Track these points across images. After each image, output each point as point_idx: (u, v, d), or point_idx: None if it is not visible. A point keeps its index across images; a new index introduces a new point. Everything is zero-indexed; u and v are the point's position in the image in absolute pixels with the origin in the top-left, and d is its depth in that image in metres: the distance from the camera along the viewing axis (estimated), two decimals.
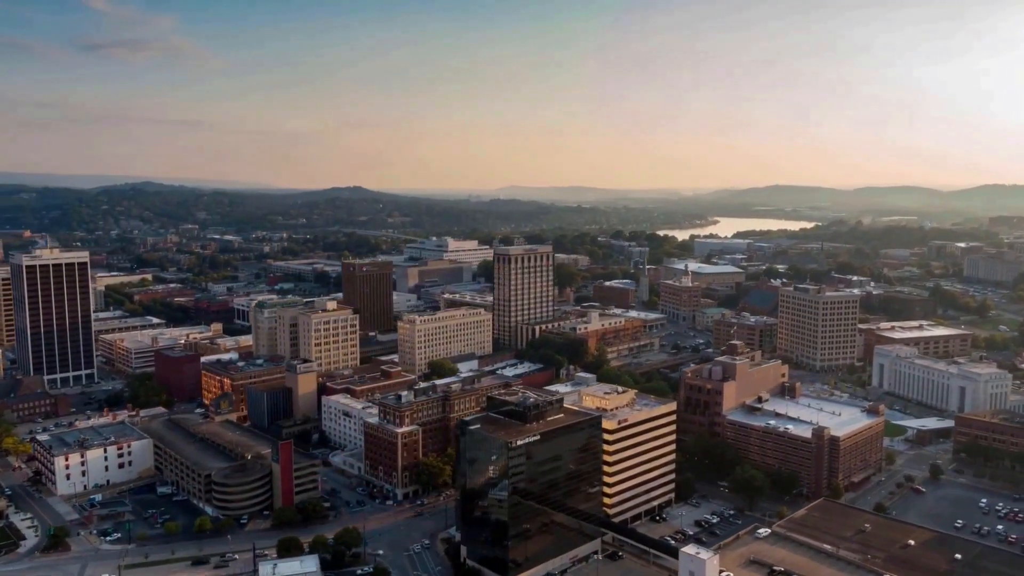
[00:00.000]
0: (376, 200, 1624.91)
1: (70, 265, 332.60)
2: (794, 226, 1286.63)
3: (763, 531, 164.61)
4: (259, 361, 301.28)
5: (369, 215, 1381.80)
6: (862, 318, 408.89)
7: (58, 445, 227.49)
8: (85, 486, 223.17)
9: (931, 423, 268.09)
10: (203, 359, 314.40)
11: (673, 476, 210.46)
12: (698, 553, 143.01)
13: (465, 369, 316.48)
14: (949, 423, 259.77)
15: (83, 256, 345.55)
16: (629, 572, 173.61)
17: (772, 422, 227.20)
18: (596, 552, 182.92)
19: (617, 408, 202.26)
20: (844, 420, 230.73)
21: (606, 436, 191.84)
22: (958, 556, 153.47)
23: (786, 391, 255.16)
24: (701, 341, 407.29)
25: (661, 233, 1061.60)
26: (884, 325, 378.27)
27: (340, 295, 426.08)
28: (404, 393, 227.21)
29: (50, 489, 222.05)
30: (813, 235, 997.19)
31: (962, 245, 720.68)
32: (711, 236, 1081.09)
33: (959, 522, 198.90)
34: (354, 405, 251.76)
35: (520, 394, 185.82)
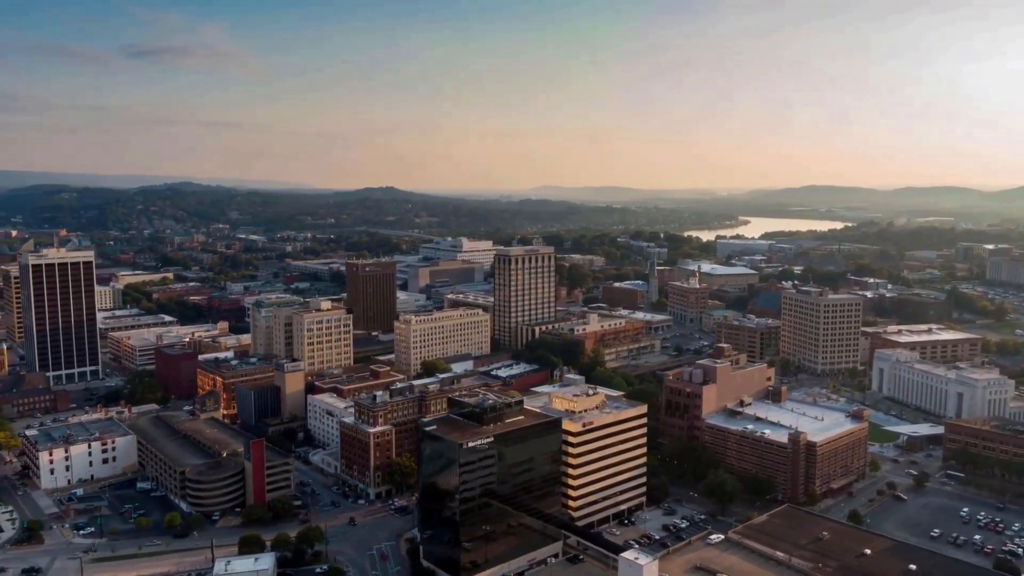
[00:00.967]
0: (406, 200, 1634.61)
1: (75, 264, 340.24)
2: (826, 227, 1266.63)
3: (715, 537, 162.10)
4: (253, 360, 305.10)
5: (398, 215, 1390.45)
6: (871, 321, 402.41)
7: (44, 440, 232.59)
8: (69, 480, 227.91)
9: (923, 429, 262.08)
10: (201, 357, 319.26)
11: (644, 480, 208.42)
12: (637, 559, 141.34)
13: (460, 369, 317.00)
14: (941, 429, 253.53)
15: (88, 255, 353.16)
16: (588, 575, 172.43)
17: (750, 426, 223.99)
18: (557, 555, 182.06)
19: (585, 410, 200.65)
20: (825, 425, 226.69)
21: (570, 439, 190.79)
22: (913, 566, 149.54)
23: (771, 395, 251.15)
24: (706, 343, 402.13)
25: (686, 234, 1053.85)
26: (891, 328, 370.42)
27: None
28: (379, 393, 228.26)
29: (35, 483, 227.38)
30: (840, 236, 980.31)
31: (990, 247, 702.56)
32: (737, 237, 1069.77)
33: (936, 531, 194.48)
34: (337, 404, 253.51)
35: (480, 395, 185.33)
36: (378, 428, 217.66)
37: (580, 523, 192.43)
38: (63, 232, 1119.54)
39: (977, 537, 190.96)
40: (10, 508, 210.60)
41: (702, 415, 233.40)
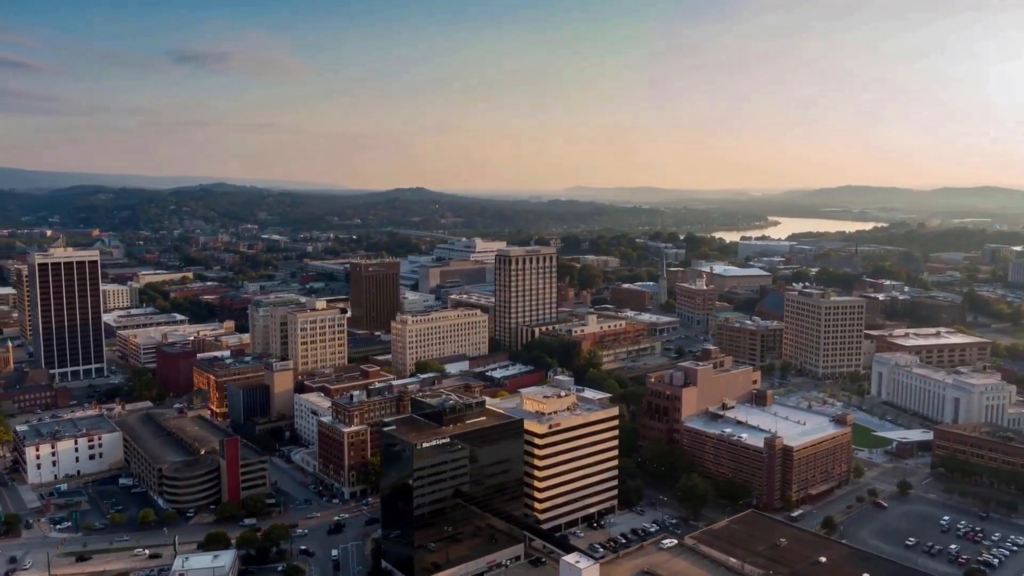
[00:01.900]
0: (434, 201, 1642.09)
1: (80, 263, 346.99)
2: (858, 227, 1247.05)
3: (667, 542, 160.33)
4: (247, 359, 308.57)
5: (424, 216, 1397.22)
6: (879, 324, 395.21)
7: (32, 436, 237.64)
8: (56, 476, 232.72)
9: (914, 435, 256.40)
10: (199, 356, 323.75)
11: (615, 482, 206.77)
12: (577, 562, 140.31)
13: (455, 370, 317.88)
14: (932, 435, 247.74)
15: (93, 255, 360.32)
16: None
17: (728, 430, 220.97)
18: (519, 557, 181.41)
19: (555, 412, 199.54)
20: (806, 430, 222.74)
21: (536, 440, 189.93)
22: (866, 575, 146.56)
23: (756, 398, 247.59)
24: (709, 346, 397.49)
25: (713, 235, 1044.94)
26: (897, 332, 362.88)
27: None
28: (355, 393, 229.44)
29: (23, 477, 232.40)
30: (868, 237, 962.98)
31: (1017, 248, 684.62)
32: (762, 238, 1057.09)
33: (911, 540, 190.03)
34: (321, 404, 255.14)
35: (443, 396, 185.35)
36: (353, 428, 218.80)
37: (546, 525, 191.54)
38: (95, 232, 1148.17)
39: (953, 547, 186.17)
40: None
41: (681, 418, 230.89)
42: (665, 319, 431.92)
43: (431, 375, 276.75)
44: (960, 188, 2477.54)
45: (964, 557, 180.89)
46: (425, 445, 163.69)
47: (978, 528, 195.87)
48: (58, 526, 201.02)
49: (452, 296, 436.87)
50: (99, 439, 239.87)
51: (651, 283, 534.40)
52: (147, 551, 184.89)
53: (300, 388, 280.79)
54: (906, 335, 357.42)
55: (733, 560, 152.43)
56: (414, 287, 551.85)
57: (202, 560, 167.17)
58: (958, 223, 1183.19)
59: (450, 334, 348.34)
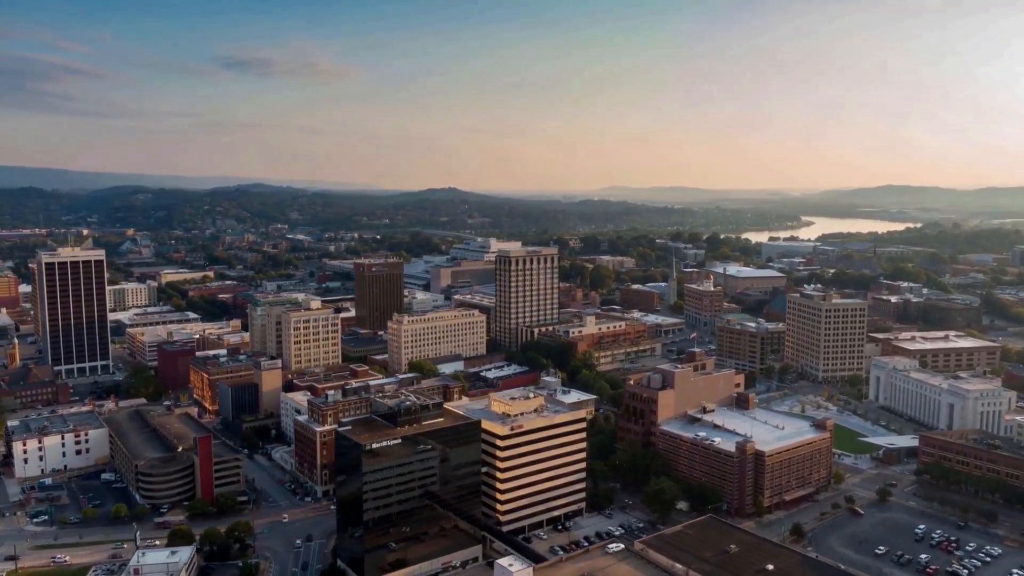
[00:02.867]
0: (464, 201, 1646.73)
1: (87, 263, 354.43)
2: (892, 228, 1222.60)
3: (614, 546, 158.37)
4: (242, 357, 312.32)
5: (452, 216, 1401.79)
6: (887, 326, 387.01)
7: (21, 431, 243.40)
8: (42, 470, 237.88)
9: (901, 441, 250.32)
10: (198, 354, 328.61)
11: (583, 485, 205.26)
12: (511, 565, 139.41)
13: (450, 370, 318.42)
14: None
15: (99, 254, 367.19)
16: None
17: (702, 433, 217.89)
18: (477, 558, 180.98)
19: (521, 414, 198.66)
20: (784, 434, 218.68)
21: (497, 442, 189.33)
22: None
23: (738, 402, 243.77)
24: (713, 347, 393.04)
25: (742, 235, 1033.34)
26: (904, 335, 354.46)
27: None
28: (331, 392, 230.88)
29: (12, 471, 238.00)
30: (898, 238, 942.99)
31: None
32: (791, 239, 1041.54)
33: (881, 548, 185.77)
34: (305, 403, 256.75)
35: (401, 397, 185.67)
36: (326, 427, 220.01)
37: (509, 527, 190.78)
38: (130, 232, 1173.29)
39: (924, 556, 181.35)
40: None
41: (658, 421, 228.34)
42: (671, 320, 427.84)
43: (410, 375, 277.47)
44: (1004, 188, 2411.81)
45: (932, 567, 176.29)
46: (375, 446, 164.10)
47: (954, 538, 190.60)
48: (35, 519, 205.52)
49: (456, 296, 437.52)
50: (86, 435, 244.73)
51: (663, 284, 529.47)
52: (113, 546, 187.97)
53: (289, 387, 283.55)
54: (912, 338, 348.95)
55: (679, 566, 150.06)
56: (426, 287, 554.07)
57: (159, 555, 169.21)
58: (997, 224, 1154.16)
59: (447, 334, 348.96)
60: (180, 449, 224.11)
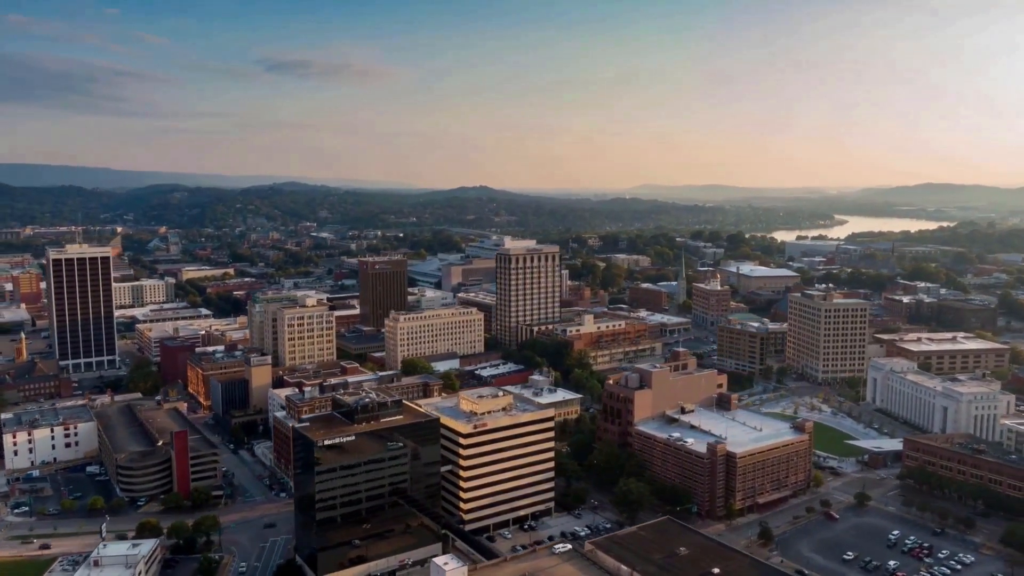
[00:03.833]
0: (492, 199, 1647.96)
1: (93, 259, 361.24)
2: (925, 227, 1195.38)
3: (560, 547, 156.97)
4: (237, 353, 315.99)
5: (479, 214, 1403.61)
6: (894, 327, 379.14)
7: (12, 424, 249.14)
8: (32, 462, 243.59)
9: (888, 444, 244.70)
10: (197, 350, 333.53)
11: (551, 485, 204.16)
12: (446, 564, 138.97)
13: (445, 368, 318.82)
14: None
15: (106, 251, 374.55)
16: None
17: (676, 434, 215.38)
18: (436, 556, 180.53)
19: (488, 412, 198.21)
20: (760, 436, 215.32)
21: (460, 440, 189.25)
22: None
23: (720, 402, 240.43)
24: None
25: (771, 235, 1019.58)
26: (909, 336, 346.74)
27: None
28: (308, 389, 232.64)
29: (2, 464, 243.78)
30: (928, 237, 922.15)
31: None
32: (820, 237, 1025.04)
33: (849, 554, 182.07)
34: None
35: (362, 394, 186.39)
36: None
37: (472, 526, 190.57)
38: (162, 229, 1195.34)
39: (892, 563, 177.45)
40: None
41: (634, 420, 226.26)
42: (676, 320, 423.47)
43: (391, 372, 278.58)
44: None
45: (899, 574, 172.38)
46: (327, 442, 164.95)
47: (927, 544, 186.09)
48: (15, 510, 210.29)
49: (460, 294, 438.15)
50: (75, 428, 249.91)
51: (674, 283, 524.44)
52: (83, 537, 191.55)
53: (280, 383, 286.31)
54: (918, 339, 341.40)
55: (624, 568, 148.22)
56: (438, 285, 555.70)
57: (119, 547, 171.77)
58: None
59: (443, 332, 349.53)
60: (160, 443, 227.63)
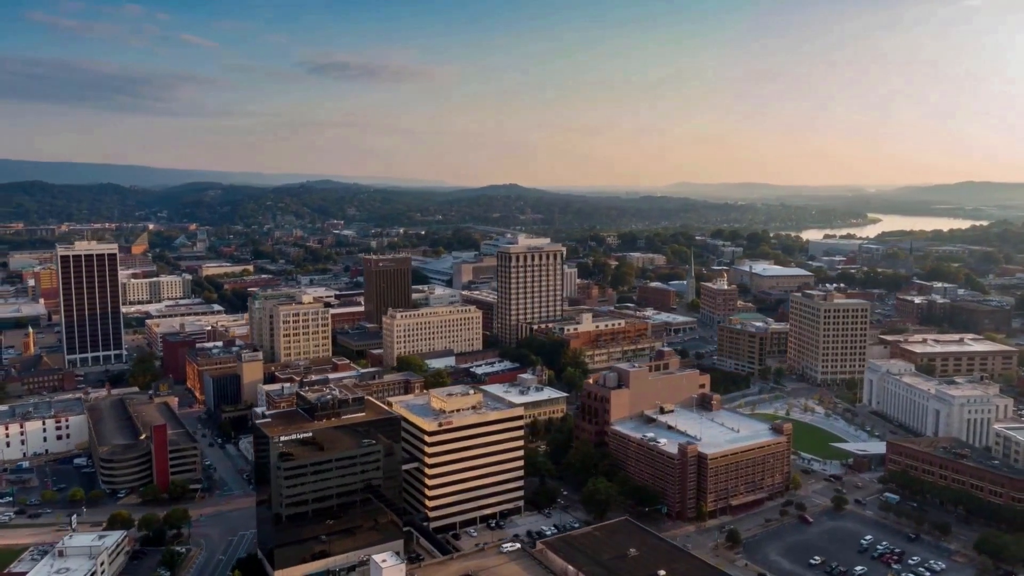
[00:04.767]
0: (519, 197, 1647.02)
1: (100, 256, 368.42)
2: (960, 225, 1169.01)
3: (509, 546, 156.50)
4: (234, 349, 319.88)
5: (505, 212, 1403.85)
6: (901, 328, 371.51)
7: (5, 416, 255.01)
8: (24, 453, 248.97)
9: (873, 447, 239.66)
10: (198, 345, 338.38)
11: (520, 484, 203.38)
12: (384, 562, 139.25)
13: (440, 365, 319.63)
14: None
15: (112, 248, 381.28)
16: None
17: (650, 434, 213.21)
18: (398, 554, 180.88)
19: (457, 410, 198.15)
20: (736, 437, 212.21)
21: (425, 438, 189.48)
22: None
23: (702, 403, 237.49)
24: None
25: (800, 233, 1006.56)
26: (914, 338, 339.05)
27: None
28: (287, 385, 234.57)
29: None
30: (959, 236, 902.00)
31: None
32: (848, 236, 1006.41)
33: (816, 559, 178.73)
34: None
35: (327, 390, 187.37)
36: None
37: (437, 524, 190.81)
38: (192, 226, 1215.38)
39: (859, 568, 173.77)
40: None
41: (611, 420, 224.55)
42: (682, 319, 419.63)
43: (372, 370, 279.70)
44: None
45: None
46: (283, 439, 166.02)
47: (899, 550, 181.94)
48: None
49: (464, 292, 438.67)
50: (66, 420, 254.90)
51: (684, 282, 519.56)
52: (57, 528, 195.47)
53: (272, 379, 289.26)
54: (923, 341, 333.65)
55: (571, 568, 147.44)
56: (450, 283, 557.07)
57: (85, 539, 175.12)
58: None
59: (440, 330, 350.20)
60: (143, 437, 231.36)
